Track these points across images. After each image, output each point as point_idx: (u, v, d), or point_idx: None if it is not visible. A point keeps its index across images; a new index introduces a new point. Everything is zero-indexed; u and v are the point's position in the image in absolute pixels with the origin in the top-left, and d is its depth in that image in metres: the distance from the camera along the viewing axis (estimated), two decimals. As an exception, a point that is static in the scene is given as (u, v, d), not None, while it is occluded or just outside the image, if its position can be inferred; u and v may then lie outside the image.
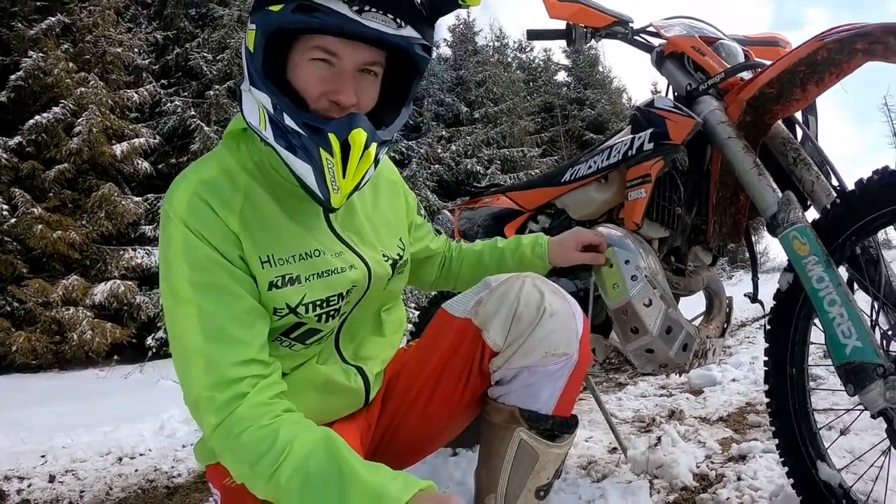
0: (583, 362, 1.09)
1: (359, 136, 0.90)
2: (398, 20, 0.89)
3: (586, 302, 1.57)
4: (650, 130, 1.50)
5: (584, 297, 1.59)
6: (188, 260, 0.93)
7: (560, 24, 1.80)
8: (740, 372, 3.29)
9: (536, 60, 24.09)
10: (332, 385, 1.09)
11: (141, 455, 2.93)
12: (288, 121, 0.91)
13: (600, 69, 24.39)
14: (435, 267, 1.47)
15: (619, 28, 1.75)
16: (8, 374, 7.48)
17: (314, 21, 0.87)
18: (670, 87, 1.68)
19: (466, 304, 1.13)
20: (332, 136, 0.90)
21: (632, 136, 1.57)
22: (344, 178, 0.92)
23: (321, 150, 0.90)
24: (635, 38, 1.76)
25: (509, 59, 22.81)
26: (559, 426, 1.08)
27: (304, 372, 1.08)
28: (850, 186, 1.24)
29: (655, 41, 1.73)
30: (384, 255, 1.15)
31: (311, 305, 1.01)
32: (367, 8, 0.86)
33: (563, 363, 1.05)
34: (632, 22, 1.76)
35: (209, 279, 0.93)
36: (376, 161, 0.96)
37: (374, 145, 0.93)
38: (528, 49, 23.95)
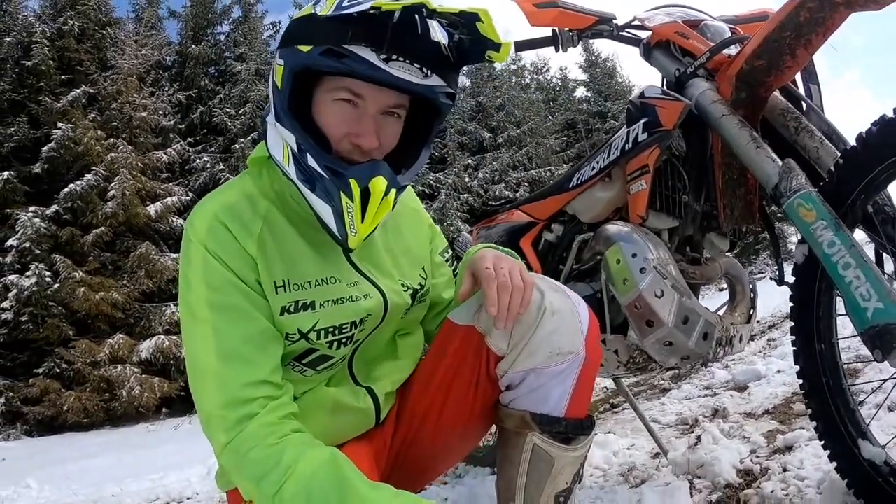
0: (591, 360, 1.05)
1: (379, 183, 0.92)
2: (424, 69, 0.90)
3: (603, 304, 1.54)
4: (643, 121, 1.49)
5: (602, 300, 1.57)
6: (206, 281, 0.95)
7: (545, 32, 1.80)
8: (786, 363, 3.14)
9: (554, 80, 24.04)
10: (341, 406, 1.09)
11: (188, 499, 2.95)
12: (311, 161, 0.93)
13: (619, 79, 23.91)
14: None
15: (603, 26, 1.73)
16: (61, 433, 7.70)
17: (342, 66, 0.87)
18: (664, 78, 1.66)
19: (470, 311, 1.11)
20: (353, 182, 0.91)
21: (627, 129, 1.56)
22: (362, 222, 0.93)
23: (342, 194, 0.92)
24: (621, 33, 1.74)
25: (527, 81, 22.83)
26: (573, 428, 1.04)
27: (314, 394, 1.08)
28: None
29: (642, 34, 1.71)
30: (403, 285, 1.13)
31: (322, 332, 1.02)
32: (394, 57, 0.87)
33: (569, 362, 1.02)
34: (615, 18, 1.74)
35: (226, 300, 0.95)
36: (394, 205, 0.97)
37: (392, 192, 0.94)
38: (545, 70, 23.97)
